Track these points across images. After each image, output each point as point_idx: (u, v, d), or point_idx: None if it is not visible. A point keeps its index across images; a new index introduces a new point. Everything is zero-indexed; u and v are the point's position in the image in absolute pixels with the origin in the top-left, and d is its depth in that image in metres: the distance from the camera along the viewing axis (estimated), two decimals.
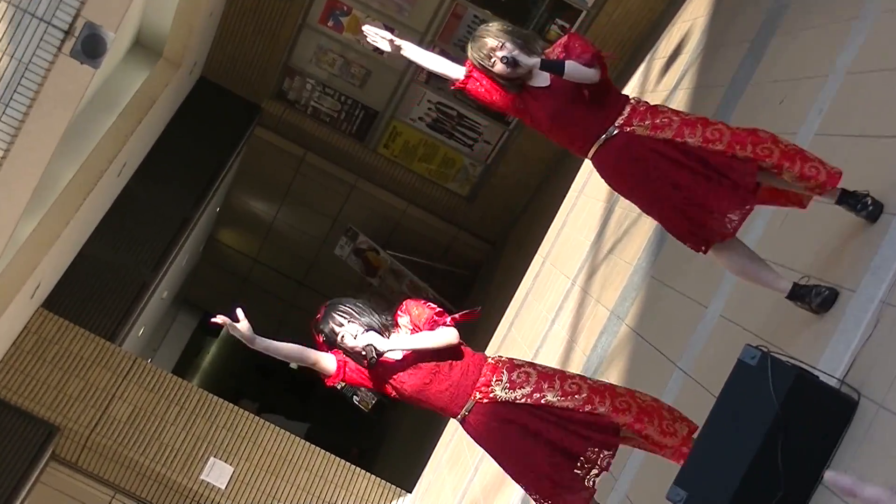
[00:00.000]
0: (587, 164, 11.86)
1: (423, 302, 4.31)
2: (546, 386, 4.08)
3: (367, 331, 4.15)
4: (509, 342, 10.67)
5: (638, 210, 7.58)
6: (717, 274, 5.46)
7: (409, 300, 4.35)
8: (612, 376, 6.64)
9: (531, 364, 4.23)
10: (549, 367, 4.25)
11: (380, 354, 4.10)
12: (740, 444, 3.42)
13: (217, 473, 10.77)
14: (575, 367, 7.61)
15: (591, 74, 4.15)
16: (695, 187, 4.06)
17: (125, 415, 10.69)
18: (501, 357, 4.27)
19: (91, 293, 11.97)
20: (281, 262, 18.31)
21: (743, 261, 4.22)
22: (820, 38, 6.05)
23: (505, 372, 4.16)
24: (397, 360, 4.19)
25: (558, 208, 11.54)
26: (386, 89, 14.43)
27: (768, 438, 3.34)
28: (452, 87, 4.39)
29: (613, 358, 6.88)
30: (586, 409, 4.00)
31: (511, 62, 4.19)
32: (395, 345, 4.16)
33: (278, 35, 13.97)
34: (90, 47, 7.02)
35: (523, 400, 4.07)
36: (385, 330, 4.20)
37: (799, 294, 4.16)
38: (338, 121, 14.85)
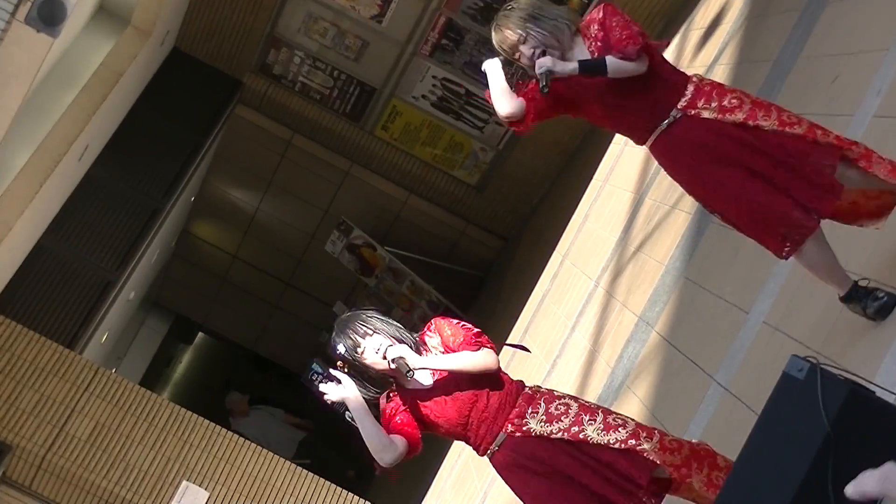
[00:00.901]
0: (612, 150, 11.86)
1: (457, 322, 4.27)
2: (587, 419, 4.05)
3: (393, 344, 4.12)
4: (522, 352, 10.66)
5: (671, 203, 7.60)
6: (760, 275, 5.46)
7: (438, 318, 4.31)
8: (640, 390, 6.65)
9: (573, 396, 4.20)
10: (592, 402, 4.23)
11: (412, 369, 4.05)
12: (785, 468, 3.42)
13: (190, 499, 10.79)
14: (598, 380, 7.62)
15: (636, 67, 4.14)
16: (774, 172, 4.03)
17: (86, 432, 10.72)
18: (540, 387, 4.24)
19: (48, 294, 11.99)
20: (264, 260, 18.32)
21: (822, 253, 4.17)
22: (879, 7, 6.05)
23: (542, 403, 4.13)
24: (428, 388, 4.17)
25: (580, 199, 11.55)
26: (385, 63, 14.45)
27: (817, 462, 3.34)
28: (518, 127, 4.35)
29: (641, 370, 6.89)
30: (630, 444, 3.98)
31: (546, 75, 4.11)
32: (431, 363, 4.12)
33: (262, 1, 13.98)
34: (48, 13, 7.03)
35: (560, 434, 4.05)
36: (416, 348, 4.16)
37: (856, 296, 4.15)
38: (330, 99, 14.88)
